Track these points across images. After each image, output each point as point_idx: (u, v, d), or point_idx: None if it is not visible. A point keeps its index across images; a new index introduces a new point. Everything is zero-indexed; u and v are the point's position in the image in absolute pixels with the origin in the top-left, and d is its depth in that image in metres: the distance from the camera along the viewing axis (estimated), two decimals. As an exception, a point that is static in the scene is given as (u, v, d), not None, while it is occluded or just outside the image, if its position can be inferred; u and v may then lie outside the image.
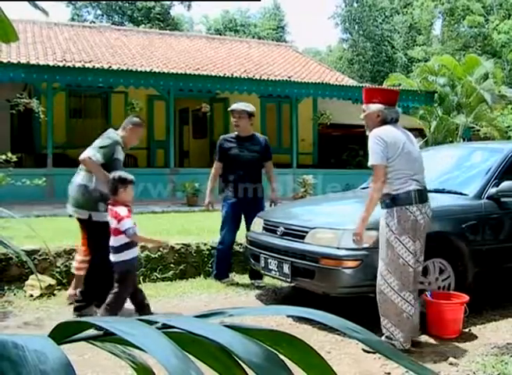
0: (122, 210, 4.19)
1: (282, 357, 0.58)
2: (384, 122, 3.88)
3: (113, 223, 4.20)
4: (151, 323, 0.60)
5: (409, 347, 3.68)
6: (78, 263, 4.91)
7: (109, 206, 4.27)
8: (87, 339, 0.61)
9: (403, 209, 3.70)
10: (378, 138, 3.76)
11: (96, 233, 4.53)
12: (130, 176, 4.32)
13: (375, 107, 3.92)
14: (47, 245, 5.34)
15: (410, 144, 3.86)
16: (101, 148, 4.54)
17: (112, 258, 4.23)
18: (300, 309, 0.67)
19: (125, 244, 4.18)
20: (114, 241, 4.21)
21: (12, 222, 6.14)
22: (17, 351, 0.51)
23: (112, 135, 4.73)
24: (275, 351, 0.58)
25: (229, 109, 5.79)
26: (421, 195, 3.76)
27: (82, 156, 4.54)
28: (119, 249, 4.19)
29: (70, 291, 4.91)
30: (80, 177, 4.61)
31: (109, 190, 4.29)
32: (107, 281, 4.33)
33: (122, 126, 4.84)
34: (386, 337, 3.72)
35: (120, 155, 4.63)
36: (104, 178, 4.41)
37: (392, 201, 3.72)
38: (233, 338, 0.56)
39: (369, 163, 3.82)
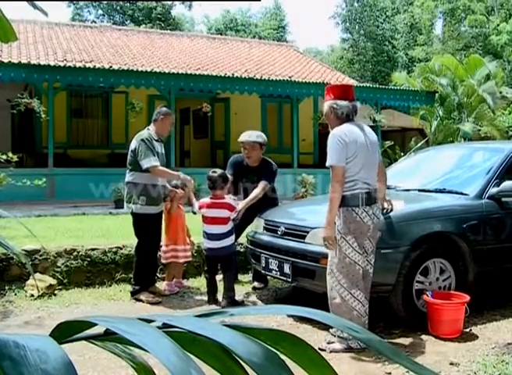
0: (234, 203, 4.94)
1: (282, 357, 0.58)
2: (340, 118, 3.78)
3: (226, 214, 4.85)
4: (151, 322, 0.60)
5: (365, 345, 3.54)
6: (177, 252, 5.38)
7: (215, 199, 4.87)
8: (87, 338, 0.61)
9: (348, 210, 3.68)
10: (339, 138, 3.67)
11: (137, 224, 5.06)
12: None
13: (327, 104, 3.85)
14: (43, 246, 5.34)
15: (368, 145, 3.78)
16: (148, 151, 4.90)
17: (221, 244, 4.82)
18: (300, 309, 0.67)
19: (229, 230, 4.88)
20: (221, 229, 4.83)
21: (13, 222, 6.15)
22: (18, 351, 0.51)
23: (143, 134, 5.04)
24: (276, 351, 0.58)
25: (239, 140, 5.48)
26: (369, 198, 3.72)
27: (151, 168, 4.90)
28: (227, 235, 4.87)
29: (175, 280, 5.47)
30: (127, 176, 5.12)
31: (218, 185, 4.88)
32: (154, 266, 5.22)
33: (153, 119, 5.19)
34: (339, 336, 3.65)
35: (158, 148, 5.07)
36: (177, 175, 5.16)
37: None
38: (234, 338, 0.56)
39: (327, 163, 3.73)
